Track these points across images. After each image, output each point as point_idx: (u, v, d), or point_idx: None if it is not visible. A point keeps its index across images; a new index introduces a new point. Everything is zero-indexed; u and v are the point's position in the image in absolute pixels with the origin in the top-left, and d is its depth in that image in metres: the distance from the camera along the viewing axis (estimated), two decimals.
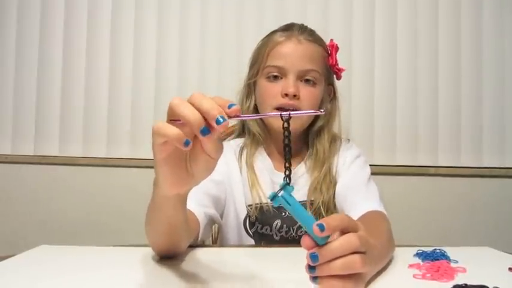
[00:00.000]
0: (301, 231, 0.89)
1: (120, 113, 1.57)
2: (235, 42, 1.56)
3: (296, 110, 0.86)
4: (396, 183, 1.55)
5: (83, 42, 1.58)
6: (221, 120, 0.40)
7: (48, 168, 1.56)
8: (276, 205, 0.43)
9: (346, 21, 1.59)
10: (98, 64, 1.58)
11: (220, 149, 0.45)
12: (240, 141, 0.99)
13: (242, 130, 1.01)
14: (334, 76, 0.97)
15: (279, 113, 0.45)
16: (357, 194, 0.86)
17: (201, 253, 0.70)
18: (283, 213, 0.90)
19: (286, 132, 0.44)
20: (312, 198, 0.90)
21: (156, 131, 0.42)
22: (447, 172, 1.58)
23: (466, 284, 0.50)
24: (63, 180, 1.57)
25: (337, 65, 0.94)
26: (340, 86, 1.01)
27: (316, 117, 0.94)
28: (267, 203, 0.88)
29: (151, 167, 0.47)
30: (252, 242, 0.91)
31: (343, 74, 0.97)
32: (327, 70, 0.93)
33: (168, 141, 0.42)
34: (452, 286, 0.50)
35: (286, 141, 0.44)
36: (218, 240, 1.05)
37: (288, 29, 0.92)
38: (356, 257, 0.42)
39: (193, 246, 0.73)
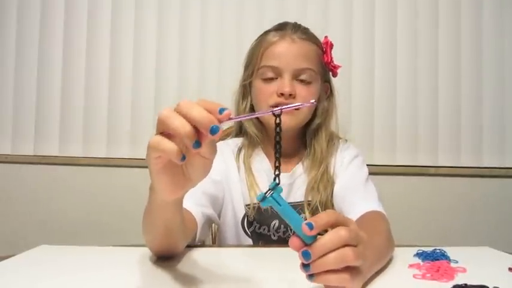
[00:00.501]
0: None
1: (120, 113, 1.57)
2: (235, 42, 1.56)
3: (292, 110, 0.86)
4: (396, 183, 1.55)
5: (83, 42, 1.58)
6: (215, 129, 0.40)
7: (48, 168, 1.56)
8: (264, 206, 0.42)
9: (346, 21, 1.59)
10: (98, 64, 1.58)
11: (214, 150, 0.44)
12: (238, 141, 0.98)
13: (240, 130, 1.01)
14: (330, 73, 0.97)
15: (270, 110, 0.44)
16: (355, 195, 0.86)
17: (199, 253, 0.70)
18: None
19: (278, 129, 0.43)
20: (310, 198, 0.90)
21: (152, 146, 0.42)
22: (447, 172, 1.58)
23: (466, 284, 0.50)
24: (63, 180, 1.57)
25: (333, 62, 0.93)
26: (340, 86, 1.00)
27: (313, 116, 0.93)
28: None
29: None
30: (250, 241, 0.91)
31: (342, 72, 0.96)
32: (322, 68, 0.92)
33: (164, 156, 0.42)
34: (452, 286, 0.50)
35: (278, 138, 0.43)
36: (216, 239, 1.05)
37: (281, 28, 0.92)
38: (347, 249, 0.42)
39: (192, 246, 0.73)
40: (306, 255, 0.41)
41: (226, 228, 0.92)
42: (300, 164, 0.94)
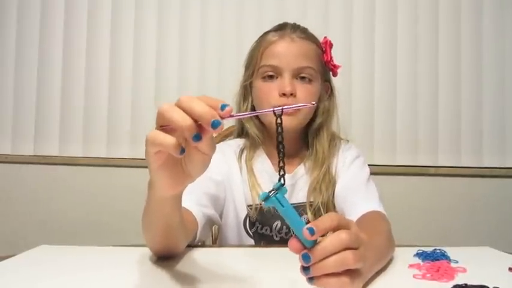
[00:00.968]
0: None
1: (120, 113, 1.57)
2: (235, 42, 1.56)
3: (293, 110, 0.86)
4: (396, 183, 1.55)
5: (83, 42, 1.57)
6: (216, 123, 0.40)
7: (48, 168, 1.56)
8: (267, 206, 0.42)
9: (347, 24, 1.59)
10: (98, 64, 1.57)
11: (213, 146, 0.44)
12: (240, 142, 0.98)
13: (241, 131, 1.01)
14: (331, 73, 0.97)
15: (272, 109, 0.44)
16: (357, 195, 0.86)
17: (200, 253, 0.70)
18: None
19: (279, 129, 0.43)
20: (312, 199, 0.90)
21: (150, 140, 0.42)
22: (447, 172, 1.58)
23: (466, 284, 0.50)
24: (63, 180, 1.57)
25: (332, 61, 0.93)
26: (341, 87, 1.00)
27: (315, 115, 0.93)
28: None
29: None
30: (252, 242, 0.91)
31: (342, 72, 0.97)
32: (322, 67, 0.93)
33: (163, 150, 0.42)
34: (452, 286, 0.50)
35: (280, 138, 0.43)
36: (218, 240, 1.05)
37: (281, 28, 0.92)
38: (348, 253, 0.42)
39: (192, 246, 0.73)
40: (306, 258, 0.41)
41: (228, 228, 0.92)
42: (302, 165, 0.94)
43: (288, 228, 0.89)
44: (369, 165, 0.96)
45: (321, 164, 0.92)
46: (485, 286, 0.49)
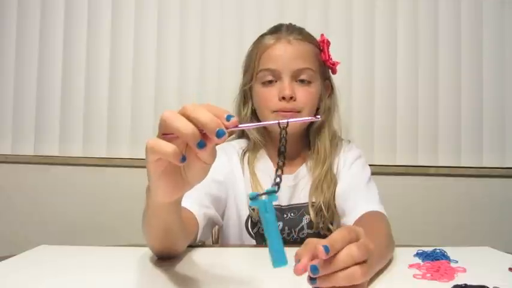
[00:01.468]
0: (303, 234, 0.89)
1: (120, 113, 1.57)
2: (235, 43, 1.56)
3: (294, 113, 0.87)
4: (396, 183, 1.55)
5: (83, 42, 1.57)
6: (221, 133, 0.39)
7: (48, 168, 1.56)
8: (252, 205, 0.42)
9: (347, 21, 1.59)
10: (98, 64, 1.57)
11: (214, 155, 0.44)
12: (243, 143, 0.99)
13: (242, 132, 1.01)
14: (330, 71, 0.97)
15: (277, 121, 0.44)
16: (357, 195, 0.86)
17: (201, 253, 0.70)
18: (285, 215, 0.90)
19: (283, 141, 0.44)
20: (313, 200, 0.90)
21: (150, 148, 0.41)
22: (447, 172, 1.58)
23: (466, 284, 0.50)
24: (63, 180, 1.56)
25: (331, 59, 0.93)
26: (340, 86, 1.01)
27: (316, 114, 0.93)
28: None
29: None
30: (254, 242, 0.91)
31: (341, 71, 0.97)
32: (321, 66, 0.93)
33: (164, 158, 0.42)
34: (452, 286, 0.50)
35: (283, 148, 0.44)
36: (219, 240, 1.05)
37: (276, 30, 0.92)
38: (357, 268, 0.42)
39: (193, 246, 0.73)
40: (314, 269, 0.41)
41: (230, 228, 0.93)
42: (304, 165, 0.94)
43: (290, 229, 0.89)
44: (369, 165, 0.96)
45: (323, 162, 0.92)
46: (485, 286, 0.49)
